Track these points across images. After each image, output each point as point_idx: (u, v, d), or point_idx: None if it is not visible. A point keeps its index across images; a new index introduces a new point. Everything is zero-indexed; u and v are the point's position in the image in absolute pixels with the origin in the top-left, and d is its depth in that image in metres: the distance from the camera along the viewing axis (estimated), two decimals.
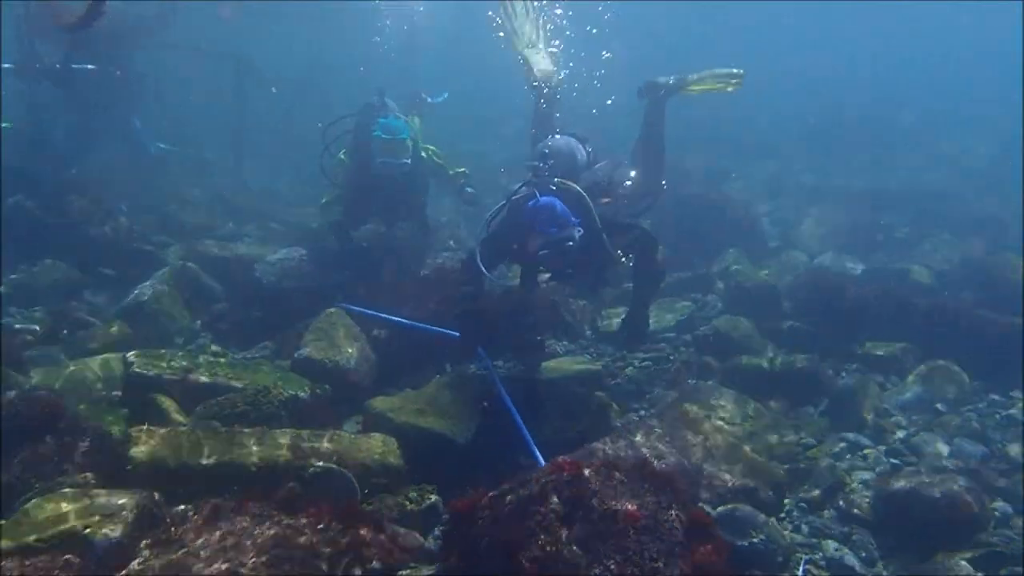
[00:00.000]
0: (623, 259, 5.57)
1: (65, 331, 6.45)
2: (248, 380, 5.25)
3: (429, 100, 9.94)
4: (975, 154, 17.65)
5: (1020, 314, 6.87)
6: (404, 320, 6.43)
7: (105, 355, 5.81)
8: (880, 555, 4.39)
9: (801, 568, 4.17)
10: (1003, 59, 28.79)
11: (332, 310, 6.35)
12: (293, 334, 6.39)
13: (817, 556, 4.34)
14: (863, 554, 4.35)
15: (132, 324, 6.56)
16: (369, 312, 6.56)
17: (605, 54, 8.49)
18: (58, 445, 4.09)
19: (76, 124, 11.19)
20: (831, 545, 4.39)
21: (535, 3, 7.06)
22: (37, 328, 6.41)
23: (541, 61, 6.91)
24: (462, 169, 7.96)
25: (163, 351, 5.54)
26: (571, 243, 5.09)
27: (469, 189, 7.83)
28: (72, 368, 5.58)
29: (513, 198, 5.54)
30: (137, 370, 5.11)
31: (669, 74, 6.76)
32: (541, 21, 7.11)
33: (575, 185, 5.45)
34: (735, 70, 6.76)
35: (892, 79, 27.22)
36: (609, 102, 8.47)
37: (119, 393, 5.26)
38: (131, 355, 5.29)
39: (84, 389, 5.39)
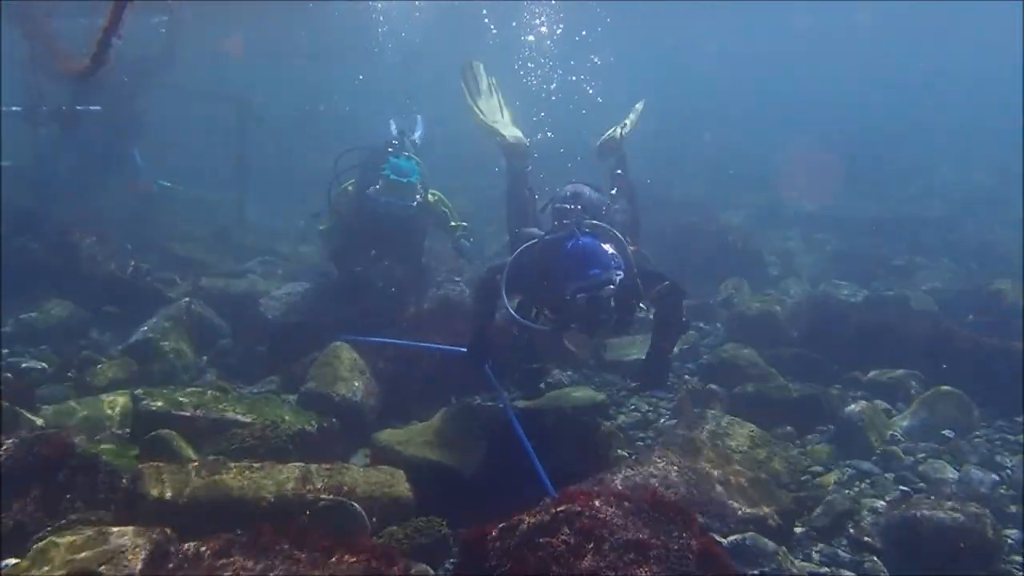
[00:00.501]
0: (645, 309, 5.46)
1: (73, 370, 6.49)
2: (256, 415, 5.27)
3: (414, 136, 9.94)
4: (973, 181, 17.78)
5: (1022, 339, 6.88)
6: (408, 342, 6.46)
7: (113, 393, 5.85)
8: None
9: None
10: (1000, 84, 29.09)
11: (337, 343, 6.36)
12: (299, 368, 6.42)
13: None
14: None
15: (139, 361, 6.61)
16: (373, 339, 6.59)
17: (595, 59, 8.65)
18: (69, 484, 4.09)
19: (78, 163, 11.31)
20: (843, 573, 4.37)
21: (494, 80, 7.21)
22: (45, 366, 6.45)
23: (509, 130, 6.90)
24: (464, 223, 7.90)
25: (171, 388, 5.57)
26: (612, 286, 4.83)
27: (465, 242, 7.74)
28: (81, 406, 5.61)
29: (547, 238, 5.30)
30: (146, 407, 5.15)
31: (614, 126, 7.08)
32: (501, 96, 7.23)
33: (611, 228, 5.35)
34: (640, 104, 7.31)
35: (890, 105, 27.50)
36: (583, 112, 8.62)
37: (128, 430, 5.28)
38: (139, 392, 5.33)
39: (93, 427, 5.41)
